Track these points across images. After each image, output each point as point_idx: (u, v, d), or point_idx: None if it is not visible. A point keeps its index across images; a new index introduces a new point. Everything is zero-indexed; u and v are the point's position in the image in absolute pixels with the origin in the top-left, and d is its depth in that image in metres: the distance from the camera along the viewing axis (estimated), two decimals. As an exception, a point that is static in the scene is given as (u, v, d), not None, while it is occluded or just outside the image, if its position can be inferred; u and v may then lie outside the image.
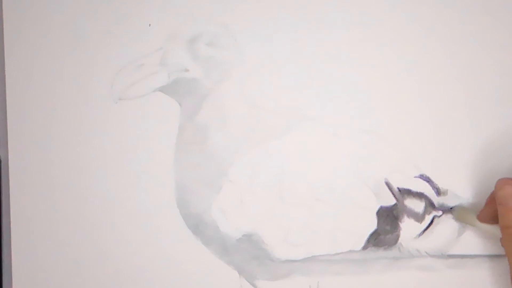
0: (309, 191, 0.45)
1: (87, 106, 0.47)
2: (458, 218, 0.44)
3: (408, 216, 0.45)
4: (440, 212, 0.45)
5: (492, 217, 0.41)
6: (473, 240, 0.45)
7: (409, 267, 0.45)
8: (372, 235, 0.45)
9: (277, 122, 0.46)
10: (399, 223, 0.45)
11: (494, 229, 0.41)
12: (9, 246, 0.47)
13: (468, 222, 0.44)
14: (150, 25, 0.47)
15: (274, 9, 0.46)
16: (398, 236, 0.45)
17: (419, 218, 0.45)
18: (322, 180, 0.45)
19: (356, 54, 0.46)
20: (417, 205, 0.45)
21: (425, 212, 0.45)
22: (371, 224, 0.45)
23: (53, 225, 0.46)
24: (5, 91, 0.47)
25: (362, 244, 0.45)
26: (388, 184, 0.45)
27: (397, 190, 0.45)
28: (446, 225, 0.45)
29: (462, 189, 0.45)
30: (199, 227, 0.46)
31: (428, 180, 0.45)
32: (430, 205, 0.45)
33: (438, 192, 0.45)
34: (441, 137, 0.45)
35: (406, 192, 0.45)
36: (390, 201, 0.45)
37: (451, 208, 0.45)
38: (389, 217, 0.45)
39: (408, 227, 0.45)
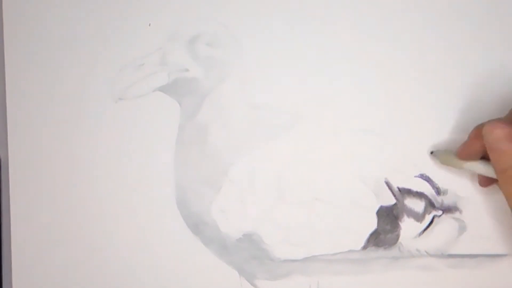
0: (309, 191, 0.45)
1: (87, 106, 0.47)
2: (441, 162, 0.44)
3: (408, 216, 0.45)
4: (440, 212, 0.45)
5: (475, 152, 0.40)
6: (473, 240, 0.45)
7: (409, 267, 0.45)
8: (372, 234, 0.45)
9: (277, 122, 0.46)
10: (399, 223, 0.45)
11: (480, 165, 0.40)
12: (9, 246, 0.47)
13: (451, 164, 0.43)
14: (150, 25, 0.47)
15: (274, 9, 0.46)
16: (398, 236, 0.45)
17: (419, 217, 0.45)
18: (322, 180, 0.45)
19: (356, 54, 0.46)
20: (417, 205, 0.45)
21: (425, 211, 0.45)
22: (371, 223, 0.45)
23: (53, 225, 0.46)
24: (5, 91, 0.47)
25: (362, 244, 0.45)
26: (388, 184, 0.45)
27: (397, 189, 0.45)
28: (446, 224, 0.45)
29: (462, 188, 0.45)
30: (199, 227, 0.46)
31: (428, 179, 0.45)
32: (430, 204, 0.45)
33: (438, 191, 0.45)
34: (441, 137, 0.45)
35: (406, 192, 0.45)
36: (390, 200, 0.45)
37: (431, 152, 0.44)
38: (389, 217, 0.45)
39: (408, 227, 0.45)
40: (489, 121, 0.38)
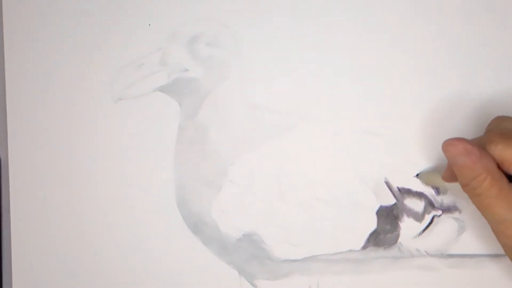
0: (309, 191, 0.45)
1: (87, 106, 0.47)
2: (426, 183, 0.44)
3: (407, 216, 0.45)
4: (439, 212, 0.45)
5: (455, 175, 0.40)
6: (473, 240, 0.45)
7: (409, 267, 0.45)
8: (372, 234, 0.45)
9: (277, 122, 0.46)
10: (399, 223, 0.45)
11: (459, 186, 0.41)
12: (9, 246, 0.47)
13: (436, 184, 0.44)
14: (150, 25, 0.47)
15: (274, 9, 0.46)
16: (398, 236, 0.45)
17: (418, 217, 0.45)
18: (322, 180, 0.45)
19: (356, 54, 0.46)
20: (417, 205, 0.45)
21: (425, 211, 0.45)
22: (371, 223, 0.45)
23: (53, 225, 0.46)
24: (5, 91, 0.47)
25: (362, 244, 0.45)
26: (388, 184, 0.45)
27: (396, 189, 0.45)
28: (446, 224, 0.45)
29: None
30: (199, 226, 0.46)
31: (428, 179, 0.45)
32: (430, 204, 0.45)
33: (438, 191, 0.45)
34: (441, 137, 0.45)
35: (405, 192, 0.45)
36: (390, 200, 0.45)
37: (416, 175, 0.45)
38: (389, 217, 0.45)
39: (408, 227, 0.45)
40: (447, 139, 0.39)
